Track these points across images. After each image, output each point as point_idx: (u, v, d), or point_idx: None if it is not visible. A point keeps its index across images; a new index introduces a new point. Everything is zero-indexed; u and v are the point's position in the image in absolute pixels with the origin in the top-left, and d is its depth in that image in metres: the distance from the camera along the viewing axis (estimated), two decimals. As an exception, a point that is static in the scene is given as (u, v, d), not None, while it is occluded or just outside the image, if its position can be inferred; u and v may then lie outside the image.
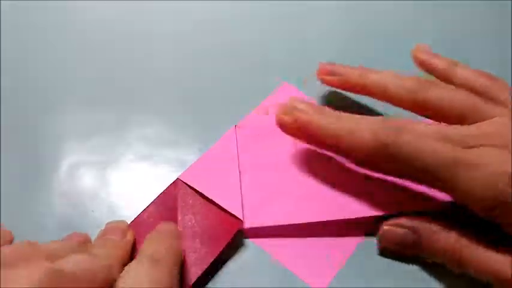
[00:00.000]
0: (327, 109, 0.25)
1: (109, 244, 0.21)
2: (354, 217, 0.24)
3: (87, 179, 0.27)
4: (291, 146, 0.27)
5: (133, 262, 0.20)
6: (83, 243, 0.21)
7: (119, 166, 0.27)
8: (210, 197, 0.25)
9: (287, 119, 0.25)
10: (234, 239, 0.24)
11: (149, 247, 0.21)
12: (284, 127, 0.25)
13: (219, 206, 0.24)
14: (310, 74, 0.29)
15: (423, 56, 0.28)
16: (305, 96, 0.30)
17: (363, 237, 0.25)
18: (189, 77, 0.31)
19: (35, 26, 0.34)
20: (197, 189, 0.25)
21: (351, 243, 0.25)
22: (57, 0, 0.35)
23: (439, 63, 0.27)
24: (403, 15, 0.35)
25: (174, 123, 0.29)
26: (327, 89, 0.30)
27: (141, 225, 0.24)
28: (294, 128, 0.25)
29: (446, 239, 0.22)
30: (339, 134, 0.23)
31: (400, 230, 0.23)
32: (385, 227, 0.24)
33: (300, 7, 0.35)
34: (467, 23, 0.34)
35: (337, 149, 0.24)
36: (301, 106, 0.24)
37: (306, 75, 0.31)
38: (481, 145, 0.21)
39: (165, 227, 0.23)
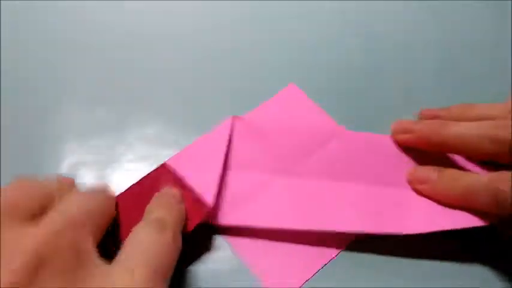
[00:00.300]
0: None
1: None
2: (334, 230, 0.24)
3: (87, 179, 0.27)
4: (288, 149, 0.27)
5: (142, 224, 0.20)
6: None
7: (119, 166, 0.27)
8: (188, 181, 0.25)
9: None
10: (205, 227, 0.24)
11: (158, 210, 0.21)
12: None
13: (194, 192, 0.24)
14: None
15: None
16: (305, 96, 0.30)
17: (340, 250, 0.24)
18: (189, 78, 0.31)
19: (35, 26, 0.34)
20: (179, 174, 0.25)
21: (325, 254, 0.24)
22: (58, 1, 0.35)
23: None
24: (403, 16, 0.35)
25: (174, 123, 0.29)
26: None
27: (125, 200, 0.24)
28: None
29: None
30: (460, 196, 0.23)
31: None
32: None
33: (300, 8, 0.35)
34: (468, 23, 0.34)
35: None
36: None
37: (307, 77, 0.31)
38: None
39: (170, 191, 0.23)
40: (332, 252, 0.24)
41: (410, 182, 0.25)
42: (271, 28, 0.34)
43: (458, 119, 0.25)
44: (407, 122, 0.26)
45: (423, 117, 0.28)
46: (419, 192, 0.25)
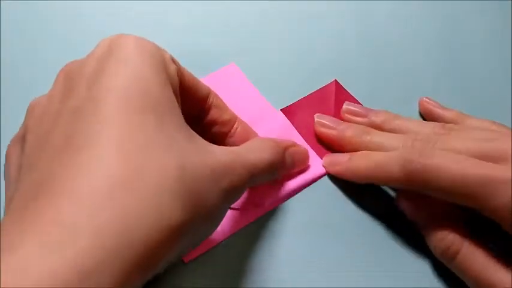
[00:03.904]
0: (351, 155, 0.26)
1: None
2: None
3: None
4: None
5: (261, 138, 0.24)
6: None
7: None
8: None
9: (331, 170, 0.27)
10: None
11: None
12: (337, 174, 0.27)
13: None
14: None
15: (430, 107, 0.29)
16: (244, 76, 0.31)
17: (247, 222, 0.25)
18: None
19: (35, 26, 0.34)
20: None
21: (232, 225, 0.25)
22: (58, 1, 0.35)
23: (447, 115, 0.28)
24: (403, 16, 0.35)
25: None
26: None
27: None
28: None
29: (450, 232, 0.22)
30: (369, 171, 0.24)
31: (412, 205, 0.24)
32: (401, 199, 0.24)
33: (300, 9, 0.35)
34: (468, 23, 0.34)
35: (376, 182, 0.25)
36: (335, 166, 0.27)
37: (307, 77, 0.31)
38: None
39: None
40: (250, 216, 0.25)
41: (325, 167, 0.27)
42: (273, 28, 0.34)
43: (379, 128, 0.27)
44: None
45: (345, 112, 0.29)
46: (335, 174, 0.27)
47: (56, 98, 0.18)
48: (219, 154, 0.19)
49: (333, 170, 0.27)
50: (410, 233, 0.25)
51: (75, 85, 0.18)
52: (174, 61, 0.20)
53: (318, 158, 0.28)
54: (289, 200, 0.26)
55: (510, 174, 0.20)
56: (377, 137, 0.26)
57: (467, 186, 0.21)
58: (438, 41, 0.33)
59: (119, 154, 0.15)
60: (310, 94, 0.30)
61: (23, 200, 0.15)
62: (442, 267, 0.24)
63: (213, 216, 0.18)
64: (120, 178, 0.15)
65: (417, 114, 0.30)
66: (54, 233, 0.14)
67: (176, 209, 0.15)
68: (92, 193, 0.14)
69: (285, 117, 0.29)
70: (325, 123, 0.28)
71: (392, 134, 0.26)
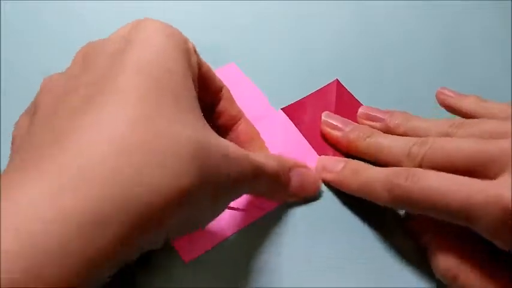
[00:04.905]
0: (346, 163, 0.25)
1: None
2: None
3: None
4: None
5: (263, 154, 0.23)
6: None
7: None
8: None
9: (331, 176, 0.26)
10: None
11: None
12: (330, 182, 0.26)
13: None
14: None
15: (446, 98, 0.29)
16: (243, 74, 0.31)
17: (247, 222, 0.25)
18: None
19: (35, 26, 0.34)
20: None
21: (232, 225, 0.25)
22: (58, 1, 0.35)
23: (464, 105, 0.28)
24: (402, 15, 0.35)
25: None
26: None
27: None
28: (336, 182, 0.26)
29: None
30: (359, 192, 0.24)
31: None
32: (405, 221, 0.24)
33: (298, 8, 0.35)
34: (468, 23, 0.34)
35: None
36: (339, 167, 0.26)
37: (307, 76, 0.31)
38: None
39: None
40: (244, 220, 0.25)
41: (317, 169, 0.27)
42: (272, 28, 0.34)
43: (393, 131, 0.27)
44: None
45: (361, 116, 0.29)
46: (324, 181, 0.26)
47: (72, 74, 0.19)
48: (231, 145, 0.19)
49: (324, 176, 0.26)
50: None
51: (95, 62, 0.18)
52: (195, 51, 0.21)
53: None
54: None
55: (491, 193, 0.19)
56: (380, 139, 0.26)
57: (451, 209, 0.20)
58: (438, 41, 0.33)
59: (136, 119, 0.15)
60: (312, 93, 0.30)
61: (32, 152, 0.16)
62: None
63: (217, 198, 0.18)
64: (134, 139, 0.15)
65: (417, 114, 0.30)
66: (62, 176, 0.14)
67: (187, 174, 0.16)
68: (101, 148, 0.15)
69: (286, 116, 0.29)
70: (331, 123, 0.28)
71: (395, 137, 0.26)
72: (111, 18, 0.34)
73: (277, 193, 0.24)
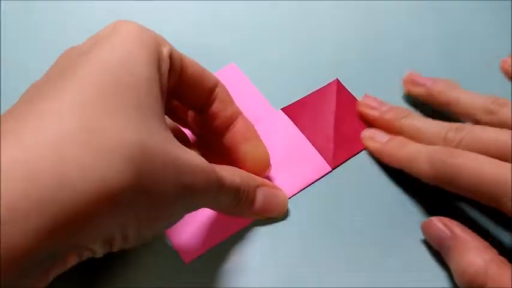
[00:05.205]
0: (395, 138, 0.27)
1: None
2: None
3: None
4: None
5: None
6: None
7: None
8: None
9: (378, 146, 0.27)
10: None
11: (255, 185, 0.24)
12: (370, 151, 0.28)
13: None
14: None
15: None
16: (243, 75, 0.31)
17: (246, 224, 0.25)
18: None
19: (35, 26, 0.34)
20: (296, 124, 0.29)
21: (232, 225, 0.25)
22: (58, 0, 0.35)
23: None
24: (402, 13, 0.35)
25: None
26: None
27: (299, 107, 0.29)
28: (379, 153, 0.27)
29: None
30: (402, 162, 0.25)
31: (441, 226, 0.23)
32: (432, 218, 0.24)
33: (297, 8, 0.35)
34: (468, 23, 0.34)
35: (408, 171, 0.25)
36: (371, 135, 0.28)
37: (306, 72, 0.31)
38: None
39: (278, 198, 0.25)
40: (243, 222, 0.25)
41: (363, 138, 0.28)
42: (273, 28, 0.34)
43: (436, 98, 0.27)
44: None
45: (408, 81, 0.30)
46: (369, 149, 0.28)
47: (47, 72, 0.19)
48: (193, 155, 0.19)
49: (371, 145, 0.27)
50: (412, 233, 0.25)
51: (66, 59, 0.19)
52: (174, 57, 0.21)
53: (321, 158, 0.27)
54: (289, 200, 0.26)
55: None
56: (414, 121, 0.27)
57: (484, 185, 0.21)
58: (439, 41, 0.33)
59: (80, 113, 0.16)
60: (312, 93, 0.30)
61: None
62: (444, 267, 0.24)
63: (163, 205, 0.18)
64: (73, 132, 0.15)
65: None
66: None
67: (119, 176, 0.15)
68: (37, 141, 0.15)
69: (287, 116, 0.29)
70: (368, 103, 0.29)
71: (429, 120, 0.26)
72: (111, 18, 0.34)
73: (240, 210, 0.23)
